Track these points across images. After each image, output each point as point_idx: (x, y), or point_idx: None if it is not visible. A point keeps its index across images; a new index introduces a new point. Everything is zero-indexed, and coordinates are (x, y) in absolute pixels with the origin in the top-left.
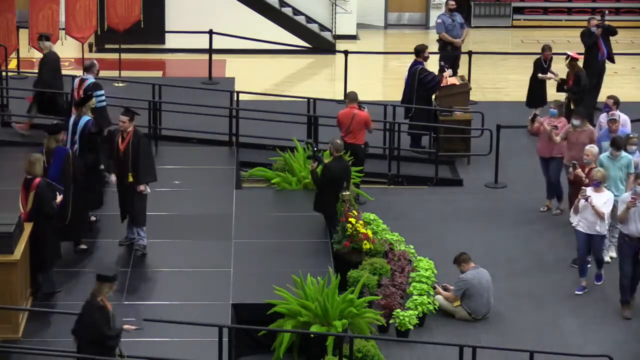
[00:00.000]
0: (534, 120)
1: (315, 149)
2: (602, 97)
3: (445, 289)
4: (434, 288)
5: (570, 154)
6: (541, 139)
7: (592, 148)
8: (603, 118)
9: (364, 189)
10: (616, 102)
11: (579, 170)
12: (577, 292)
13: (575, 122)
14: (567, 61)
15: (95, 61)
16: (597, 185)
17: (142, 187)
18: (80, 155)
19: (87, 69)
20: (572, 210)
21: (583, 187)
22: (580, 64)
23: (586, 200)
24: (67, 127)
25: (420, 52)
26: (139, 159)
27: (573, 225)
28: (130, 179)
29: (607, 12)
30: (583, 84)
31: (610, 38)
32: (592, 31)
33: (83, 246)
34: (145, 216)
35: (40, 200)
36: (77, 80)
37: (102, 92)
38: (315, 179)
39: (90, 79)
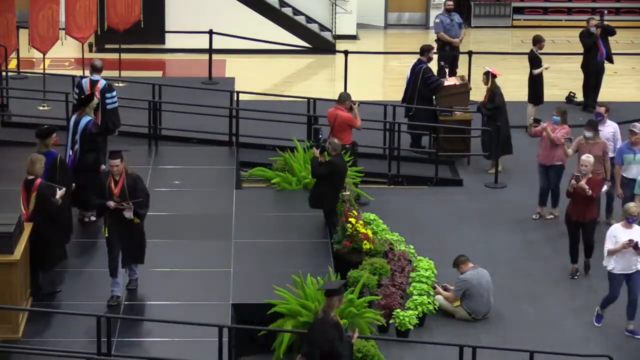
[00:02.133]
0: (535, 124)
1: (320, 135)
2: (602, 97)
3: (445, 289)
4: (434, 288)
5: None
6: (542, 146)
7: (588, 158)
8: (610, 129)
9: (364, 189)
10: (607, 110)
11: (582, 183)
12: (596, 324)
13: (588, 134)
14: (485, 77)
15: (102, 62)
16: (632, 221)
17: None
18: (80, 155)
19: (98, 69)
20: (605, 254)
21: (629, 240)
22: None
23: (635, 247)
24: (67, 129)
25: (425, 51)
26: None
27: (608, 269)
28: (137, 220)
29: (606, 12)
30: (497, 103)
31: (610, 38)
32: (591, 31)
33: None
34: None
35: (43, 200)
36: (87, 81)
37: (114, 93)
38: (315, 168)
39: (101, 79)
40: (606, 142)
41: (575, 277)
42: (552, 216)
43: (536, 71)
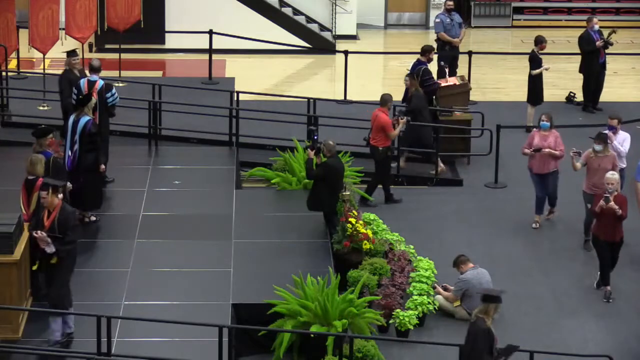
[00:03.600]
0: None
1: (316, 136)
2: (602, 97)
3: (445, 289)
4: (434, 288)
5: (592, 181)
6: (536, 156)
7: (613, 176)
8: (621, 137)
9: (364, 189)
10: (620, 121)
11: (613, 204)
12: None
13: (597, 147)
14: (408, 78)
15: (100, 61)
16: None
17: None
18: (80, 155)
19: (96, 69)
20: None
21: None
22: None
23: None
24: (65, 130)
25: (425, 52)
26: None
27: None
28: (54, 260)
29: (616, 31)
30: (413, 105)
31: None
32: (592, 37)
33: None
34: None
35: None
36: (84, 81)
37: (114, 90)
38: (309, 170)
39: (99, 80)
40: (615, 155)
41: (611, 300)
42: (552, 214)
43: (535, 72)
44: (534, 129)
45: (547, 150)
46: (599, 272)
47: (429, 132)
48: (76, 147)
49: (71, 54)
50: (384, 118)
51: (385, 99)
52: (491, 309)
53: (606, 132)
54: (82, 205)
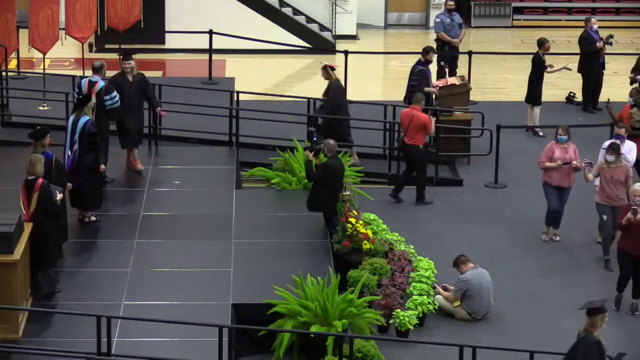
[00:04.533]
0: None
1: (315, 137)
2: (602, 97)
3: (445, 289)
4: (434, 288)
5: (606, 193)
6: (557, 169)
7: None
8: (627, 147)
9: (364, 189)
10: (627, 130)
11: None
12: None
13: (610, 157)
14: (324, 72)
15: (104, 62)
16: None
17: None
18: (80, 155)
19: (97, 70)
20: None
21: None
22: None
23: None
24: (65, 130)
25: (425, 52)
26: None
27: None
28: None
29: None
30: (331, 95)
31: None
32: (592, 38)
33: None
34: None
35: (45, 200)
36: (85, 82)
37: (114, 93)
38: (310, 171)
39: (100, 80)
40: (629, 165)
41: (637, 313)
42: (558, 238)
43: (550, 70)
44: (552, 141)
45: (574, 163)
46: (617, 293)
47: (346, 123)
48: (76, 147)
49: (125, 57)
50: (424, 116)
51: (419, 98)
52: (597, 320)
53: (617, 142)
54: (82, 205)
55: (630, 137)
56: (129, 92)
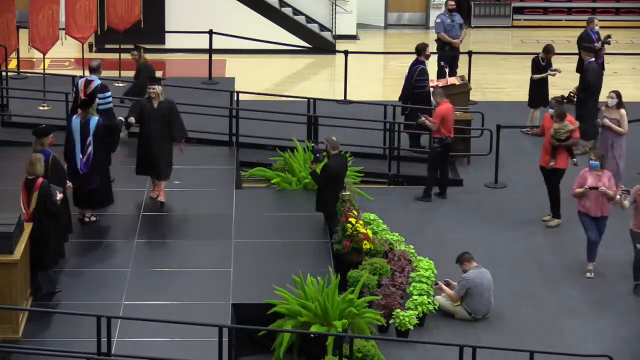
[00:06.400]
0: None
1: (318, 154)
2: (602, 97)
3: (448, 285)
4: (436, 284)
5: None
6: (591, 196)
7: None
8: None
9: (364, 189)
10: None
11: None
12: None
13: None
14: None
15: (101, 62)
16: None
17: None
18: (95, 154)
19: (94, 69)
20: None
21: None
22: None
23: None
24: (70, 132)
25: (420, 51)
26: None
27: None
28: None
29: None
30: (141, 78)
31: (609, 39)
32: (591, 38)
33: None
34: None
35: (45, 199)
36: (82, 81)
37: (109, 93)
38: (316, 179)
39: (96, 80)
40: None
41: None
42: (592, 275)
43: (536, 76)
44: (585, 168)
45: (603, 188)
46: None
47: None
48: (90, 148)
49: (152, 82)
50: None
51: (441, 92)
52: None
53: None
54: (99, 204)
55: (555, 149)
56: (149, 120)
